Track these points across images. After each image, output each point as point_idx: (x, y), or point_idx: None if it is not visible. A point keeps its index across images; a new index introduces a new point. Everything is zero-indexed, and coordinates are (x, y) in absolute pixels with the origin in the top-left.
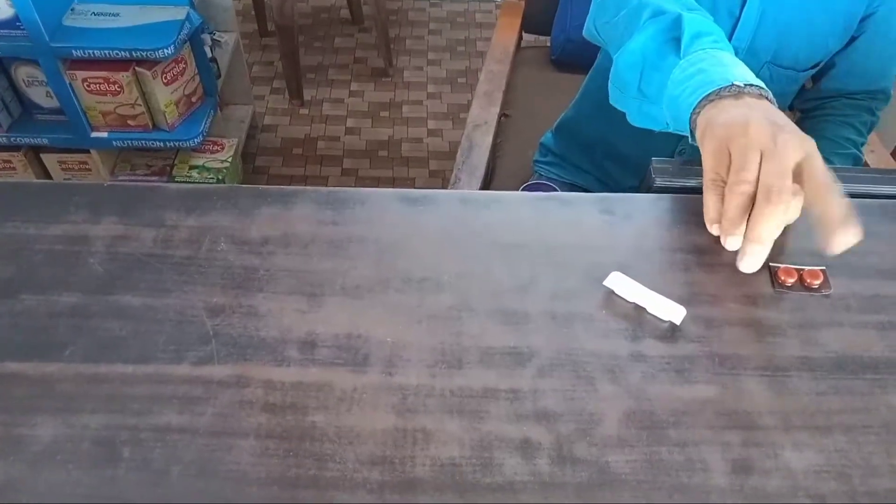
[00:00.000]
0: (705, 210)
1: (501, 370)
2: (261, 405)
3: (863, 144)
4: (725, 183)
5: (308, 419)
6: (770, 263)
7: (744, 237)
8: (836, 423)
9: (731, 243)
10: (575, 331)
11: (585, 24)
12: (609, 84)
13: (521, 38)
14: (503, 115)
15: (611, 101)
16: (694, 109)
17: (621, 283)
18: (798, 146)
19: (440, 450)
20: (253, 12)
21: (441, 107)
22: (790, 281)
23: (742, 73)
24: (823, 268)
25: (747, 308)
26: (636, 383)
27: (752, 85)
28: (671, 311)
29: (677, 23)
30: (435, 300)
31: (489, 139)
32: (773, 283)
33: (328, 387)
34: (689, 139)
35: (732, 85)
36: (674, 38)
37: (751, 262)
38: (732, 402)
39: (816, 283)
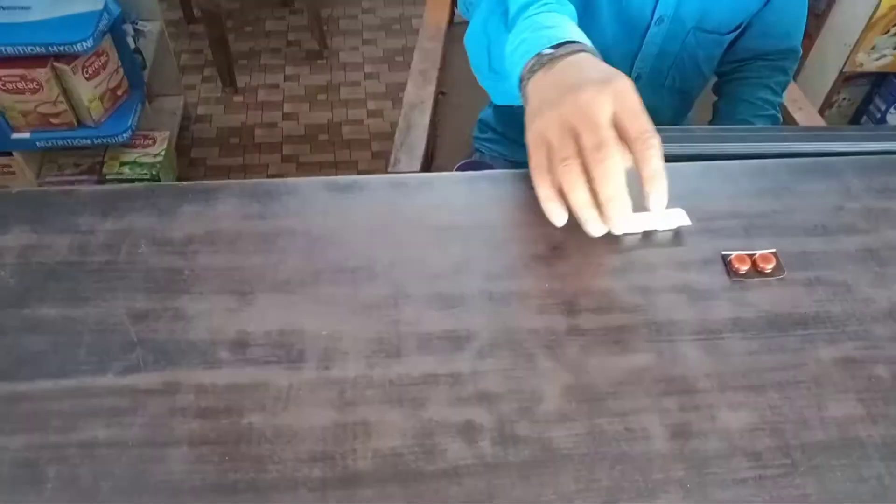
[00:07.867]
0: (538, 190)
1: (440, 355)
2: (193, 411)
3: (779, 104)
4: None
5: (244, 421)
6: (722, 252)
7: (599, 203)
8: (768, 380)
9: (594, 228)
10: (512, 309)
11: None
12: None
13: (452, 14)
14: (440, 92)
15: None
16: (520, 84)
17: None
18: (603, 101)
19: (381, 441)
20: None
21: (380, 87)
22: (744, 269)
23: (559, 34)
24: (774, 251)
25: (679, 273)
26: (575, 357)
27: (565, 43)
28: (676, 219)
29: None
30: (369, 289)
31: (427, 118)
32: (727, 272)
33: (263, 386)
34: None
35: (539, 55)
36: (504, 12)
37: (621, 223)
38: (669, 368)
39: (769, 267)
